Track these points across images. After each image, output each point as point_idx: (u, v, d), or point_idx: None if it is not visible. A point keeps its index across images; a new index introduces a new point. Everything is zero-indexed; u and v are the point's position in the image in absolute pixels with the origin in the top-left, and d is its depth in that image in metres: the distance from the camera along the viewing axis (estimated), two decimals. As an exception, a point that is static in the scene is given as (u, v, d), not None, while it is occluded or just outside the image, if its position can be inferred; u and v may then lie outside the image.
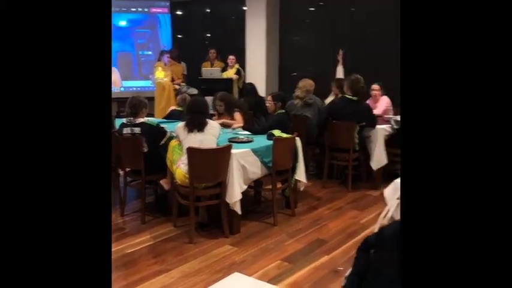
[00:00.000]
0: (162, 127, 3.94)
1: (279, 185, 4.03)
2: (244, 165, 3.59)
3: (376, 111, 5.30)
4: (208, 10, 8.94)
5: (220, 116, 4.81)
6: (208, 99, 5.02)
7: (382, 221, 3.15)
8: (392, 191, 2.21)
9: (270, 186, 3.90)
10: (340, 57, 6.06)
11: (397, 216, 2.07)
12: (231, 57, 7.13)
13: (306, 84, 5.21)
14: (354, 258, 1.73)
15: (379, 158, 4.81)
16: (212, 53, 7.55)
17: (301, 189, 4.36)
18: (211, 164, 3.40)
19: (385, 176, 4.68)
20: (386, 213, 3.24)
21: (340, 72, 5.94)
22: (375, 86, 5.51)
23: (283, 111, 4.45)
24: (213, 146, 3.50)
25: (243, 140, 3.93)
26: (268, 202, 4.22)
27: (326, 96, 5.71)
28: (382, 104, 5.54)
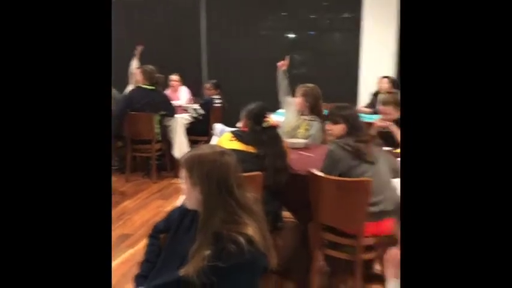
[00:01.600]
0: None
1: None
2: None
3: (179, 102, 5.41)
4: None
5: None
6: None
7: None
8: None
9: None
10: (137, 52, 5.92)
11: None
12: None
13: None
14: (146, 246, 1.74)
15: (180, 146, 4.92)
16: None
17: (103, 185, 4.15)
18: None
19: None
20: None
21: (134, 65, 5.81)
22: (173, 77, 5.63)
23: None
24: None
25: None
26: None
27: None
28: (184, 95, 5.70)
